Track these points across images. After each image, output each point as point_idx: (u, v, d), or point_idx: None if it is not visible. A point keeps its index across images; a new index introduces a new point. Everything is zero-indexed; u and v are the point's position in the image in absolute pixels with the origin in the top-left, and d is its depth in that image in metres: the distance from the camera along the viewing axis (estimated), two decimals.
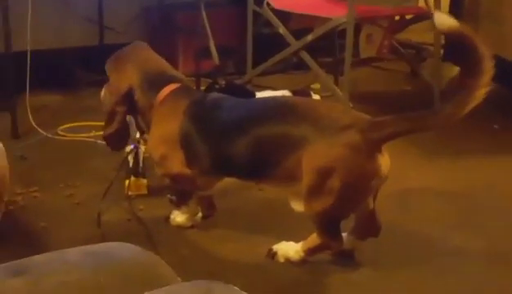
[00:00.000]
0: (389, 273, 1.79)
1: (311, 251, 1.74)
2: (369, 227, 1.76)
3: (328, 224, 1.68)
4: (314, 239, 1.72)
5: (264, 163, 1.70)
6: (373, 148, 1.61)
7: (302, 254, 1.75)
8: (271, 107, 1.75)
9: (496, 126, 2.85)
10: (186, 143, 1.79)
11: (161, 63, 1.95)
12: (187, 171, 1.81)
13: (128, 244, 0.87)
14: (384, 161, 1.64)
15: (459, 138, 2.75)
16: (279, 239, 1.81)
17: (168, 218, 1.97)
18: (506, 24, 2.86)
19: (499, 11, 2.90)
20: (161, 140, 1.86)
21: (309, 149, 1.61)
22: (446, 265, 1.82)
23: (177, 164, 1.82)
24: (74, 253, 0.82)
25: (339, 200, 1.61)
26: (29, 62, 2.57)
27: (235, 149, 1.71)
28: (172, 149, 1.81)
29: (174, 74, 1.92)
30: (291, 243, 1.77)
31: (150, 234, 1.88)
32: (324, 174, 1.60)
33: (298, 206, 1.71)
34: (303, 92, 2.54)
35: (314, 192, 1.63)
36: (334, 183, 1.60)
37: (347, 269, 1.77)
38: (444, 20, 1.58)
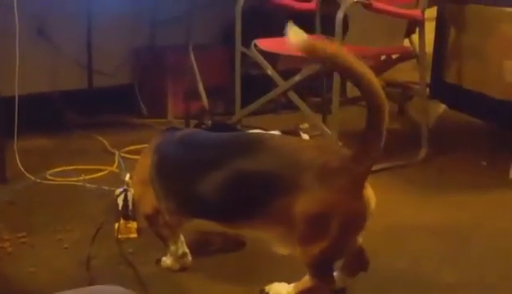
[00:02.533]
0: None
1: (303, 293, 1.71)
2: (358, 263, 1.75)
3: (322, 267, 1.66)
4: (306, 281, 1.69)
5: (242, 207, 1.66)
6: (362, 186, 1.60)
7: None
8: (252, 144, 1.69)
9: (484, 163, 2.87)
10: (154, 182, 1.80)
11: None
12: (156, 212, 1.82)
13: (118, 287, 0.86)
14: (371, 196, 1.63)
15: (448, 175, 2.77)
16: (271, 280, 1.79)
17: (159, 260, 1.95)
18: (490, 63, 2.91)
19: (483, 49, 2.95)
20: (136, 180, 1.90)
21: (303, 195, 1.58)
22: None
23: (149, 205, 1.84)
24: None
25: (336, 243, 1.60)
26: (17, 106, 2.57)
27: (204, 189, 1.68)
28: (145, 189, 1.83)
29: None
30: (284, 284, 1.74)
31: (140, 277, 1.85)
32: (320, 221, 1.58)
33: (281, 249, 1.69)
34: (293, 132, 2.54)
35: (310, 238, 1.60)
36: (331, 228, 1.58)
37: None
38: (295, 34, 1.53)
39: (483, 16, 2.97)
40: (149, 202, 1.84)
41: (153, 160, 1.82)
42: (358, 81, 1.54)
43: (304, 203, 1.58)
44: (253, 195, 1.64)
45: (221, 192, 1.67)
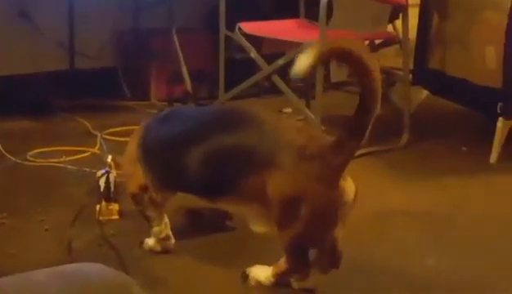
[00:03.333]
0: None
1: (280, 276, 1.72)
2: (330, 259, 1.72)
3: (296, 252, 1.66)
4: (281, 265, 1.70)
5: (220, 181, 1.67)
6: (337, 175, 1.58)
7: (272, 279, 1.72)
8: (230, 120, 1.70)
9: (464, 149, 2.90)
10: (140, 159, 1.82)
11: None
12: (142, 191, 1.83)
13: (98, 264, 0.86)
14: (349, 187, 1.61)
15: (430, 160, 2.79)
16: (256, 262, 1.78)
17: (141, 242, 1.95)
18: (473, 50, 2.92)
19: (466, 36, 2.96)
20: (125, 160, 1.92)
21: (276, 174, 1.58)
22: (417, 285, 1.82)
23: (135, 184, 1.85)
24: (41, 274, 0.80)
25: (308, 229, 1.59)
26: None
27: (188, 162, 1.69)
28: (133, 168, 1.85)
29: None
30: (264, 267, 1.75)
31: (122, 259, 1.85)
32: (293, 203, 1.58)
33: (257, 227, 1.70)
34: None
35: (284, 220, 1.61)
36: (302, 213, 1.57)
37: None
38: (300, 65, 1.51)
39: (467, 2, 2.98)
40: (136, 181, 1.85)
41: (140, 138, 1.84)
42: (362, 76, 1.50)
43: (277, 183, 1.58)
44: (230, 170, 1.65)
45: (200, 165, 1.69)
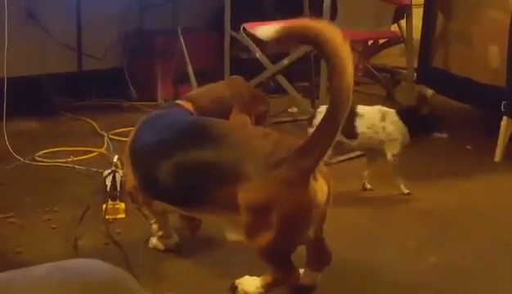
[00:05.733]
0: None
1: (269, 286, 1.68)
2: (320, 257, 1.72)
3: (276, 259, 1.64)
4: (269, 276, 1.67)
5: (194, 192, 1.67)
6: (306, 178, 1.55)
7: (261, 290, 1.68)
8: (200, 132, 1.71)
9: (468, 147, 2.90)
10: (128, 160, 1.84)
11: (200, 93, 1.98)
12: (136, 190, 1.84)
13: (97, 260, 0.88)
14: (320, 188, 1.58)
15: (433, 158, 2.80)
16: (255, 266, 1.74)
17: (147, 240, 1.97)
18: (476, 48, 2.93)
19: (469, 35, 2.97)
20: (124, 158, 1.93)
21: (245, 185, 1.57)
22: (418, 283, 1.83)
23: (130, 182, 1.87)
24: (40, 269, 0.82)
25: (280, 235, 1.57)
26: (6, 88, 2.58)
27: (159, 172, 1.70)
28: (127, 166, 1.88)
29: (179, 101, 1.93)
30: (254, 279, 1.71)
31: (127, 258, 1.87)
32: (262, 211, 1.56)
33: (232, 235, 1.69)
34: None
35: (254, 228, 1.59)
36: (273, 219, 1.56)
37: None
38: (264, 30, 1.51)
39: (470, 2, 2.99)
40: (129, 179, 1.87)
41: (132, 138, 1.86)
42: (329, 59, 1.48)
43: (246, 193, 1.57)
44: (201, 183, 1.65)
45: (172, 178, 1.69)
